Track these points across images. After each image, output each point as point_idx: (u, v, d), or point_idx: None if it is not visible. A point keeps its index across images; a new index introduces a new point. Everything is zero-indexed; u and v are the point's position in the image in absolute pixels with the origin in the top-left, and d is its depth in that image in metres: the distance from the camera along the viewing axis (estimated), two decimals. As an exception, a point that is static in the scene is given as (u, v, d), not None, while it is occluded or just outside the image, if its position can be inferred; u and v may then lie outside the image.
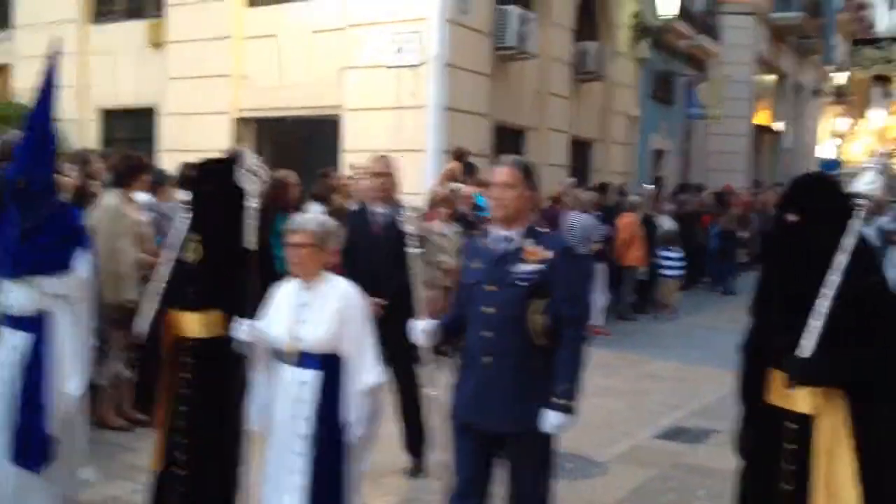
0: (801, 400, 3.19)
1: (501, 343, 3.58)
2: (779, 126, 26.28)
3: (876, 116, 17.70)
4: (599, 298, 11.50)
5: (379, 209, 5.59)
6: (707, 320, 12.68)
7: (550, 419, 3.54)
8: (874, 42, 17.30)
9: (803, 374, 3.12)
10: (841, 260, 3.14)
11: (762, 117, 24.65)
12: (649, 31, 17.13)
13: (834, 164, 21.80)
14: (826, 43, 27.26)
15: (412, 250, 4.24)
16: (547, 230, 3.81)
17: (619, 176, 16.23)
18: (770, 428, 3.29)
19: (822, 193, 3.35)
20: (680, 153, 20.31)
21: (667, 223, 13.41)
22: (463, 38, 11.49)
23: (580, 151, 15.70)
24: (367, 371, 3.74)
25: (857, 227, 3.23)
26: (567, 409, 3.55)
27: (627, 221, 12.06)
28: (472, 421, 3.70)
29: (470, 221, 9.37)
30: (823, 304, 3.11)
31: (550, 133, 14.08)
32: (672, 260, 12.96)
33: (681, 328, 12.05)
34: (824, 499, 3.13)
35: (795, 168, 27.31)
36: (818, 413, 3.18)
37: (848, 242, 3.18)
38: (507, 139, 13.44)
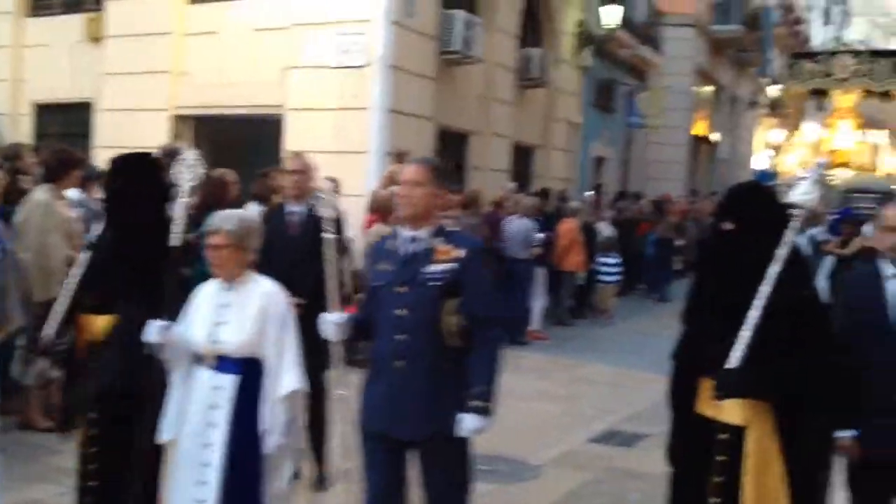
0: (732, 411, 3.18)
1: (414, 346, 3.49)
2: (716, 137, 26.81)
3: (811, 129, 18.09)
4: (538, 303, 11.62)
5: (295, 207, 5.49)
6: (642, 326, 12.86)
7: (466, 423, 3.45)
8: (812, 56, 17.66)
9: (730, 387, 3.11)
10: (773, 270, 3.14)
11: (700, 128, 25.10)
12: (592, 40, 17.33)
13: (768, 175, 22.22)
14: (763, 56, 27.89)
15: (327, 235, 4.06)
16: (457, 229, 3.75)
17: (560, 182, 16.38)
18: (700, 438, 3.28)
19: (758, 203, 3.36)
20: (620, 161, 20.58)
21: (606, 230, 13.59)
22: (408, 40, 11.48)
23: (522, 157, 15.80)
24: (286, 376, 3.56)
25: (791, 238, 3.24)
26: (483, 412, 3.47)
27: (567, 227, 12.18)
28: (383, 429, 3.57)
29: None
30: (754, 314, 3.10)
31: (494, 138, 14.14)
32: (610, 266, 13.14)
33: (616, 333, 12.21)
34: None
35: (731, 178, 27.83)
36: (748, 424, 3.18)
37: (781, 253, 3.18)
38: (451, 143, 13.46)
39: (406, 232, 3.63)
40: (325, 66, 11.36)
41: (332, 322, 3.72)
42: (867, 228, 12.49)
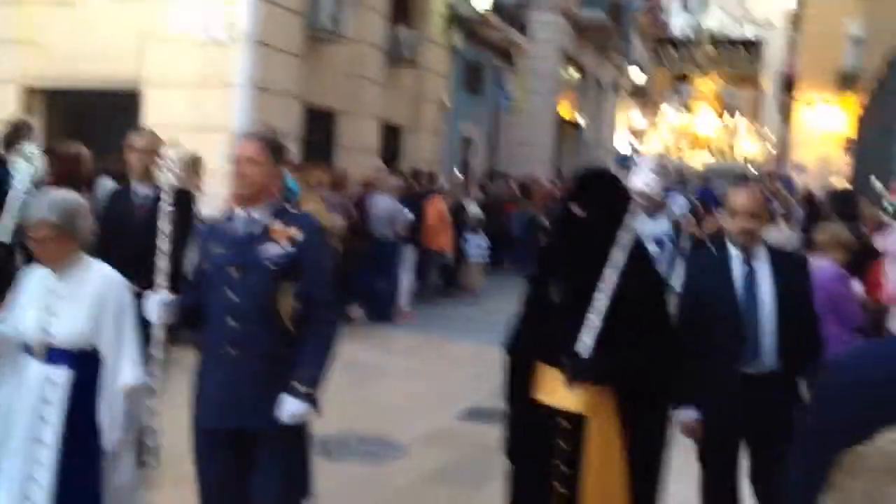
0: (572, 399, 3.18)
1: (248, 332, 3.30)
2: (580, 120, 27.47)
3: (672, 114, 18.81)
4: (406, 282, 11.65)
5: (142, 188, 5.26)
6: (508, 304, 12.93)
7: (288, 407, 3.27)
8: (676, 43, 18.32)
9: (582, 373, 3.11)
10: (618, 256, 3.16)
11: (565, 111, 25.66)
12: (462, 21, 17.42)
13: (629, 158, 23.02)
14: (626, 41, 28.75)
15: (165, 207, 3.70)
16: (295, 209, 3.58)
17: (428, 162, 16.43)
18: (541, 428, 3.27)
19: (605, 188, 3.38)
20: (488, 142, 20.81)
21: (472, 209, 13.73)
22: (275, 16, 11.24)
23: (391, 137, 15.77)
24: (125, 369, 3.32)
25: (633, 224, 3.28)
26: (308, 398, 3.29)
27: (436, 207, 12.23)
28: (216, 424, 3.37)
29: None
30: (602, 300, 3.11)
31: (362, 117, 14.04)
32: (477, 245, 13.29)
33: (483, 312, 12.36)
34: (592, 499, 3.16)
35: (595, 161, 28.66)
36: (589, 412, 3.19)
37: (624, 238, 3.20)
38: (318, 122, 13.30)
39: (241, 212, 3.44)
40: (186, 39, 10.99)
41: (155, 302, 3.45)
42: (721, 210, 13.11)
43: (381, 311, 10.93)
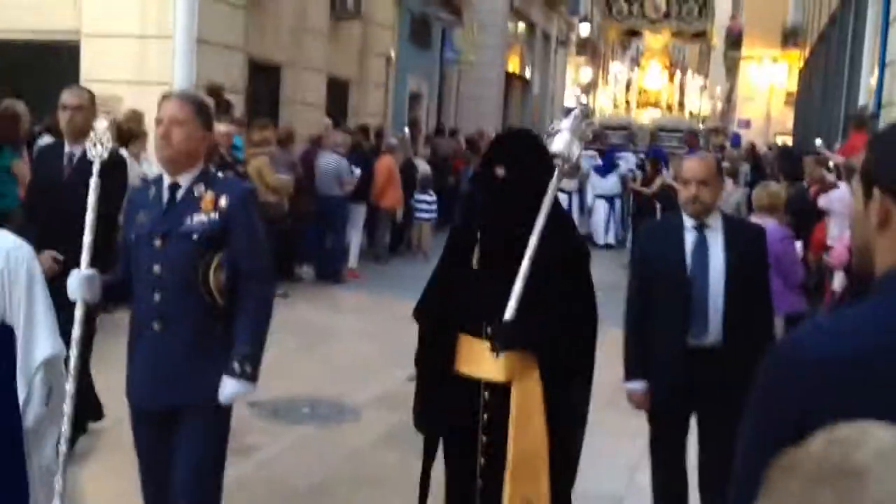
0: (499, 368, 3.10)
1: (174, 306, 3.12)
2: (528, 74, 27.35)
3: (621, 70, 18.79)
4: (355, 240, 11.54)
5: (73, 149, 4.89)
6: (459, 262, 13.03)
7: (227, 388, 3.12)
8: (627, -4, 18.24)
9: (509, 340, 3.01)
10: (540, 221, 3.05)
11: (513, 65, 25.51)
12: (408, -27, 17.13)
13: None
14: (573, -5, 28.63)
15: (93, 180, 3.39)
16: (223, 175, 3.37)
17: (376, 117, 16.22)
18: (464, 400, 3.19)
19: (527, 150, 3.27)
20: (435, 97, 20.61)
21: (422, 167, 13.61)
22: (214, -34, 10.89)
23: (337, 91, 15.50)
24: (40, 341, 3.02)
25: (554, 188, 3.16)
26: (247, 377, 3.14)
27: (384, 164, 12.09)
28: (145, 403, 3.25)
29: (227, 162, 8.99)
30: (525, 266, 3.00)
31: (307, 71, 13.76)
32: (426, 203, 13.20)
33: (430, 270, 12.32)
34: (517, 466, 3.10)
35: (543, 115, 28.62)
36: (515, 380, 3.12)
37: (546, 202, 3.10)
38: (262, 75, 13.00)
39: (166, 177, 3.21)
40: (124, -11, 10.61)
41: (79, 278, 3.21)
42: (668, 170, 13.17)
43: (330, 270, 10.82)
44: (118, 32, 10.64)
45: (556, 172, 3.20)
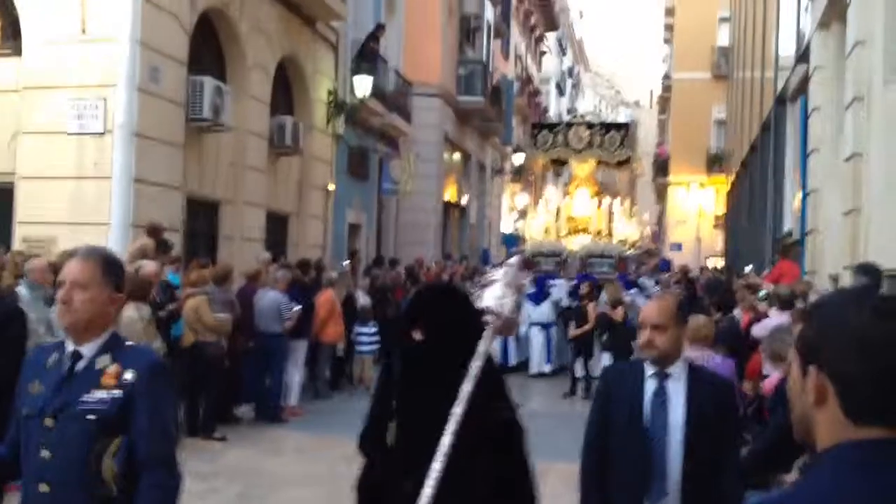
0: None
1: (62, 500, 2.67)
2: (465, 202, 27.87)
3: (552, 197, 19.25)
4: (295, 377, 11.33)
5: None
6: (401, 395, 12.86)
7: None
8: (551, 127, 18.80)
9: None
10: (466, 388, 2.71)
11: (450, 193, 25.99)
12: (345, 109, 17.50)
13: (514, 238, 23.39)
14: (506, 125, 29.50)
15: None
16: (130, 343, 2.94)
17: (316, 249, 16.25)
18: None
19: (448, 309, 2.96)
20: (374, 227, 20.80)
21: (362, 299, 13.57)
22: (153, 107, 11.00)
23: (277, 225, 15.56)
24: None
25: (485, 349, 2.83)
26: None
27: (325, 298, 12.03)
28: None
29: (156, 303, 8.85)
30: (446, 442, 2.64)
31: (246, 206, 13.81)
32: (367, 335, 13.10)
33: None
34: None
35: (481, 241, 29.04)
36: None
37: (475, 367, 2.76)
38: (201, 213, 13.01)
39: (69, 344, 2.81)
40: (61, 131, 10.63)
41: None
42: (603, 297, 13.31)
43: (270, 410, 10.57)
44: (54, 174, 10.60)
45: (486, 332, 2.86)
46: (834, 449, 1.40)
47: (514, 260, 3.18)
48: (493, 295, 2.93)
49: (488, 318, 2.90)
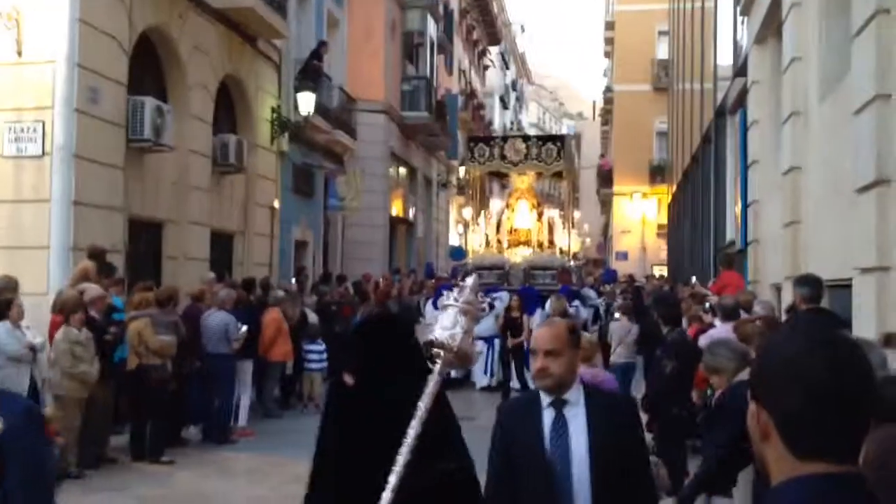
0: None
1: None
2: (412, 216, 27.87)
3: (495, 209, 19.27)
4: (244, 398, 11.21)
5: None
6: (352, 413, 12.79)
7: None
8: (487, 140, 18.78)
9: None
10: (407, 441, 2.42)
11: (397, 208, 25.97)
12: (289, 126, 17.41)
13: (460, 251, 23.41)
14: (451, 139, 29.60)
15: None
16: (6, 389, 2.70)
17: (262, 268, 16.11)
18: None
19: (383, 348, 2.68)
20: (321, 244, 20.68)
21: (310, 316, 13.48)
22: (92, 128, 10.82)
23: (222, 244, 15.39)
24: None
25: (431, 394, 2.51)
26: None
27: (272, 317, 11.93)
28: None
29: (97, 326, 8.71)
30: (387, 497, 2.38)
31: (190, 226, 13.64)
32: (315, 353, 13.02)
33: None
34: None
35: (428, 255, 29.04)
36: None
37: (418, 415, 2.45)
38: (144, 233, 12.83)
39: None
40: (-4, 153, 10.41)
41: None
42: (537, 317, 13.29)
43: (219, 431, 10.43)
44: (-9, 197, 10.37)
45: (435, 372, 2.54)
46: (780, 486, 1.41)
47: (469, 281, 2.85)
48: (442, 325, 2.64)
49: (438, 352, 2.59)
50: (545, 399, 3.20)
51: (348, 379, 2.66)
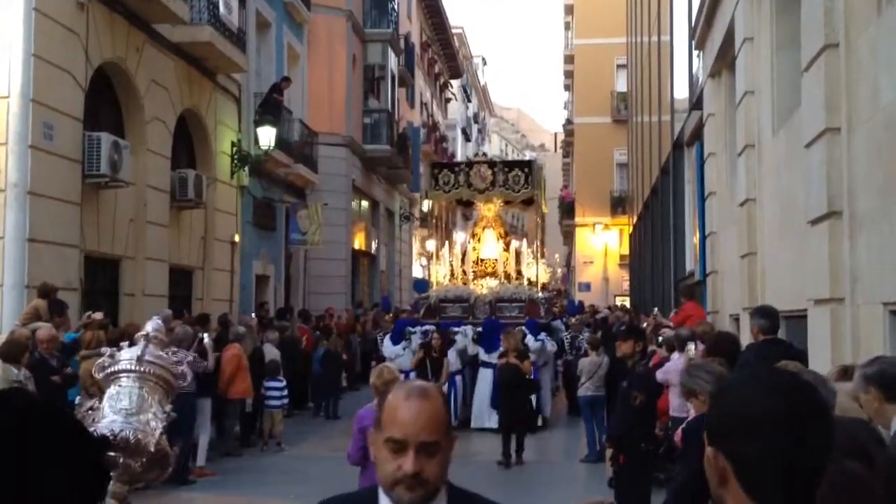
0: None
1: None
2: (374, 249, 27.80)
3: (459, 240, 19.05)
4: (203, 437, 11.02)
5: None
6: (310, 449, 12.68)
7: None
8: (452, 166, 18.18)
9: None
10: None
11: (359, 241, 25.90)
12: (249, 160, 17.33)
13: (424, 283, 23.27)
14: (413, 172, 29.64)
15: None
16: None
17: (222, 303, 15.95)
18: None
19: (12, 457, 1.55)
20: (282, 279, 20.54)
21: (270, 352, 13.33)
22: (47, 164, 10.69)
23: (181, 280, 15.22)
24: None
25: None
26: None
27: (232, 354, 11.77)
28: None
29: (50, 366, 8.52)
30: None
31: (148, 262, 13.47)
32: (276, 390, 12.85)
33: (285, 461, 11.86)
34: None
35: (391, 288, 28.96)
36: None
37: None
38: (101, 270, 12.64)
39: None
40: (-52, 191, 10.23)
41: None
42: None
43: (177, 471, 10.21)
44: (-59, 235, 10.17)
45: (112, 478, 1.88)
46: None
47: (151, 326, 2.01)
48: (111, 408, 1.86)
49: (116, 456, 1.88)
50: None
51: None
